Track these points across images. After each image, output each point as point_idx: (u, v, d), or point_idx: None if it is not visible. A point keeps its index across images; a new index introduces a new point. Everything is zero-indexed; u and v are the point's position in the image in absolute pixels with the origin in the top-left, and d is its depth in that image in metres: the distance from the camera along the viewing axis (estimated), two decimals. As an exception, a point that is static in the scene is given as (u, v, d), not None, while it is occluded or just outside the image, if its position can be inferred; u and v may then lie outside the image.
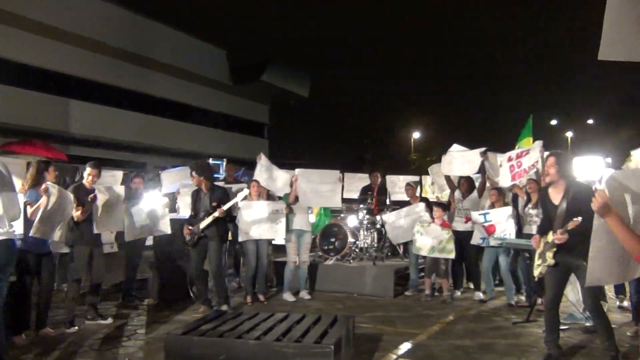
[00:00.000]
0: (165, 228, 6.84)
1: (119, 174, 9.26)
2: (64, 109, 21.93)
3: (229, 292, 6.91)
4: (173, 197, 7.96)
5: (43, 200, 4.91)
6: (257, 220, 7.03)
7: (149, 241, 7.34)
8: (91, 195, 5.72)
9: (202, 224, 6.27)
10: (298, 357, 3.77)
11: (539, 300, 6.29)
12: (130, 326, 5.79)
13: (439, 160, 8.57)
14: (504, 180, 7.24)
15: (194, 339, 4.07)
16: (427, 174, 10.65)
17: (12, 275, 5.88)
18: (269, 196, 7.52)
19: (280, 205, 7.22)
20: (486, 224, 6.89)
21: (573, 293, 5.59)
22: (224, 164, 13.38)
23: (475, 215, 7.06)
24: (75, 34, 22.11)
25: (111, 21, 23.79)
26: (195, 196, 6.51)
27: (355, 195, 9.89)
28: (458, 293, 7.56)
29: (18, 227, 4.97)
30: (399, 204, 9.62)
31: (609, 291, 6.45)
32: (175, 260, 7.30)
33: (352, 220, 8.70)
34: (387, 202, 9.24)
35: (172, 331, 4.53)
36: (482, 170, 7.77)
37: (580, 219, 3.94)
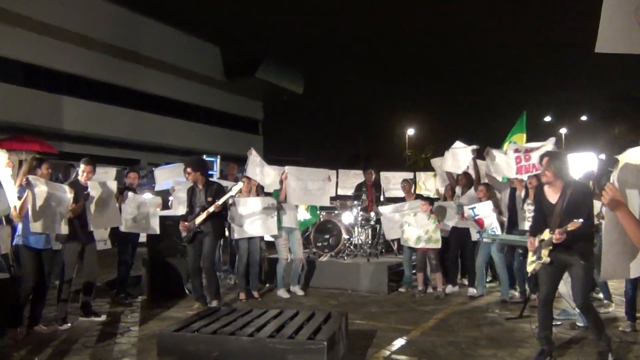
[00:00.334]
0: (155, 228, 6.86)
1: (112, 171, 9.23)
2: (55, 105, 21.79)
3: (225, 289, 6.90)
4: (167, 194, 7.93)
5: (27, 194, 4.86)
6: (250, 217, 7.04)
7: (142, 238, 7.32)
8: (85, 193, 5.69)
9: (198, 220, 6.26)
10: (291, 354, 3.76)
11: (532, 296, 6.32)
12: (123, 323, 5.77)
13: (433, 157, 8.60)
14: (509, 171, 7.02)
15: (187, 335, 4.06)
16: (422, 170, 10.68)
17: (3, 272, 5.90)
18: (258, 192, 7.52)
19: (271, 201, 7.23)
20: (476, 218, 6.97)
21: (566, 289, 5.61)
22: (218, 160, 13.35)
23: (467, 210, 7.10)
24: (67, 30, 21.97)
25: (104, 17, 23.66)
26: (191, 192, 6.49)
27: (349, 191, 9.90)
28: (453, 289, 7.57)
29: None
30: (393, 201, 9.65)
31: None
32: (169, 257, 7.28)
33: (346, 217, 8.70)
34: (381, 198, 9.25)
35: (165, 328, 4.52)
36: (475, 167, 7.79)
37: (581, 221, 3.92)
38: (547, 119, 43.24)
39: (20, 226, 5.04)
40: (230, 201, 6.76)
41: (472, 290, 7.29)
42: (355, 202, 8.72)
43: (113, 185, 6.27)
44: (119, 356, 4.58)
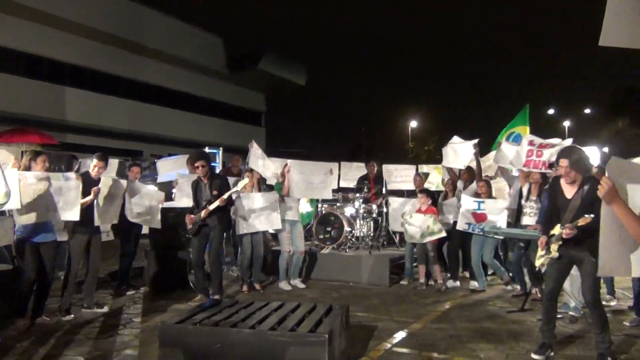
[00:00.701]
0: (157, 223, 6.90)
1: (115, 163, 9.22)
2: (58, 96, 21.80)
3: (228, 281, 6.92)
4: (169, 186, 7.93)
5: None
6: (254, 211, 7.05)
7: (145, 229, 7.33)
8: (95, 189, 5.66)
9: (203, 213, 6.27)
10: (292, 346, 3.77)
11: (534, 290, 6.32)
12: (126, 314, 5.80)
13: (436, 149, 8.59)
14: (517, 161, 6.92)
15: (189, 327, 4.06)
16: (424, 162, 10.66)
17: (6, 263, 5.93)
18: (260, 185, 7.53)
19: (275, 196, 7.24)
20: (478, 212, 6.93)
21: (569, 284, 5.61)
22: (221, 152, 13.36)
23: (469, 200, 7.05)
24: (70, 21, 21.94)
25: (107, 8, 23.60)
26: (196, 186, 6.49)
27: (351, 184, 9.89)
28: (454, 284, 7.58)
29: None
30: (395, 194, 9.65)
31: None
32: (171, 248, 7.30)
33: (348, 210, 8.71)
34: (384, 191, 9.25)
35: (167, 320, 4.54)
36: (477, 161, 7.77)
37: (592, 216, 3.85)
38: (551, 111, 43.09)
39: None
40: (234, 196, 6.78)
41: (473, 284, 7.30)
42: (357, 195, 8.72)
43: (124, 183, 6.31)
44: (122, 347, 4.60)
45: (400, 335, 5.03)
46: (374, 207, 8.89)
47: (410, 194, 9.44)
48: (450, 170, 8.25)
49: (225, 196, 6.22)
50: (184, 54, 27.93)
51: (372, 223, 8.79)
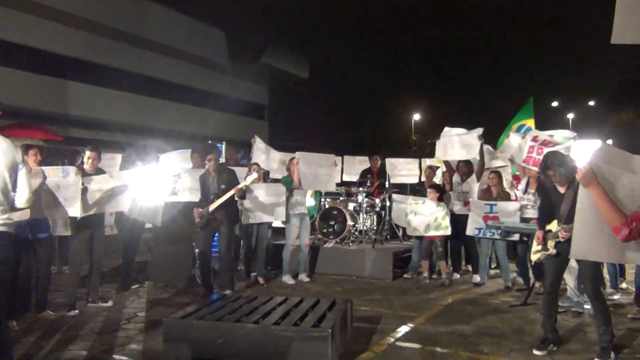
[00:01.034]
0: (158, 222, 6.86)
1: (118, 157, 9.21)
2: (60, 90, 21.77)
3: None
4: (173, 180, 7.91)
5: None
6: (261, 203, 7.06)
7: (148, 224, 7.34)
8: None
9: (212, 207, 6.28)
10: (296, 341, 3.79)
11: (537, 284, 6.33)
12: (130, 309, 5.82)
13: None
14: (518, 155, 6.92)
15: (193, 322, 4.08)
16: (427, 156, 10.63)
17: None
18: (265, 178, 7.54)
19: (281, 189, 7.24)
20: (491, 215, 6.76)
21: (572, 278, 5.61)
22: (224, 146, 13.33)
23: (480, 204, 6.97)
24: (72, 15, 21.83)
25: (109, 2, 23.50)
26: (203, 180, 6.49)
27: (354, 178, 9.88)
28: (457, 276, 7.59)
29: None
30: (399, 187, 9.64)
31: (606, 274, 6.45)
32: (175, 242, 7.31)
33: (351, 204, 8.70)
34: (387, 185, 9.25)
35: (171, 314, 4.55)
36: (480, 153, 7.70)
37: None
38: (555, 104, 42.86)
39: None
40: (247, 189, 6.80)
41: (476, 277, 7.30)
42: (360, 189, 8.72)
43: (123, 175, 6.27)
44: (126, 342, 4.62)
45: (403, 329, 5.04)
46: (377, 201, 8.88)
47: (413, 187, 9.43)
48: (447, 164, 8.18)
49: (241, 186, 6.24)
50: (187, 47, 27.82)
51: (375, 217, 8.79)
